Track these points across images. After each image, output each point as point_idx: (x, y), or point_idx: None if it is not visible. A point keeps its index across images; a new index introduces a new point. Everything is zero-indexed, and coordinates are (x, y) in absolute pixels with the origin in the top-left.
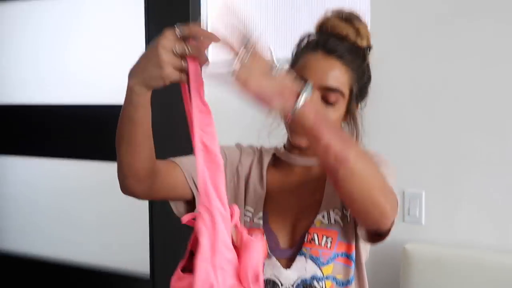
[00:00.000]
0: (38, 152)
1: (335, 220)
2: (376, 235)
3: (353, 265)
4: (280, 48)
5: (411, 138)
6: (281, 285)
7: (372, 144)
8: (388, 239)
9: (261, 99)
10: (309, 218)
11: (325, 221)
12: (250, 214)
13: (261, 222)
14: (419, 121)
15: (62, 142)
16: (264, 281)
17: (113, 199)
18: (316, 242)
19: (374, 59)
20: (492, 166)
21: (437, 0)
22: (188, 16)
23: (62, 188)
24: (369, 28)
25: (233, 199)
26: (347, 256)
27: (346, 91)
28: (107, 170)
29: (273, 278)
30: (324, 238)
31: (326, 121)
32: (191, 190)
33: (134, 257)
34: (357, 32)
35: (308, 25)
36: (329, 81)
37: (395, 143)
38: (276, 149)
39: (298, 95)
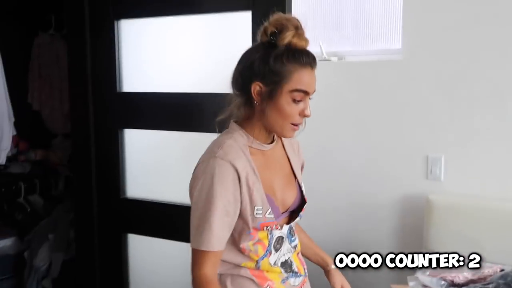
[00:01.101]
0: (151, 126)
1: (304, 188)
2: None
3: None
4: (326, 43)
5: (432, 113)
6: (284, 236)
7: (405, 118)
8: (412, 192)
9: None
10: (291, 190)
11: (304, 192)
12: (260, 212)
13: (272, 216)
14: (439, 102)
15: (166, 119)
16: (276, 240)
17: None
18: (304, 206)
19: None
20: (497, 138)
21: None
22: None
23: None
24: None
25: (250, 202)
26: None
27: None
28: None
29: (280, 235)
30: (306, 204)
31: None
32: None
33: None
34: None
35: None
36: (315, 86)
37: (418, 116)
38: (247, 140)
39: None
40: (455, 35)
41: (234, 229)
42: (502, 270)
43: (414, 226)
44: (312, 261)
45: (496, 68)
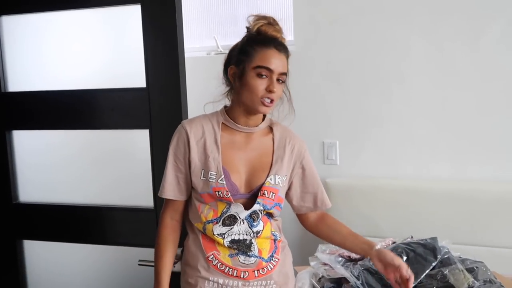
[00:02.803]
0: (42, 126)
1: (278, 182)
2: None
3: (280, 209)
4: (221, 37)
5: (327, 102)
6: (239, 218)
7: (301, 107)
8: None
9: None
10: (261, 176)
11: (272, 182)
12: (214, 177)
13: (223, 182)
14: (332, 91)
15: (58, 118)
16: (228, 216)
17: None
18: (266, 195)
19: None
20: (385, 121)
21: None
22: None
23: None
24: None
25: (204, 167)
26: (279, 205)
27: (287, 72)
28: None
29: (234, 214)
30: (271, 194)
31: None
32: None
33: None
34: (282, 33)
35: (242, 20)
36: (284, 69)
37: (314, 105)
38: (223, 118)
39: None
40: (342, 27)
41: (195, 189)
42: (394, 243)
43: None
44: (355, 251)
45: (381, 57)
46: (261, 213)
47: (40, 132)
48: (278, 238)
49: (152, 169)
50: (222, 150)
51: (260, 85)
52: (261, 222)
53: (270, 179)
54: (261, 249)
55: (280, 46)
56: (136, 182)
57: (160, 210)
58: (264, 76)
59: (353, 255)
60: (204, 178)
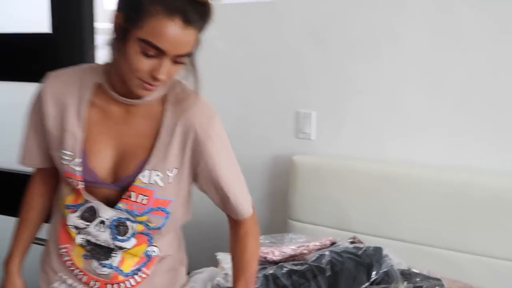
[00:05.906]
0: None
1: (154, 181)
2: None
3: (166, 216)
4: None
5: (304, 65)
6: (99, 216)
7: (274, 70)
8: (282, 152)
9: None
10: (130, 165)
11: (145, 180)
12: (67, 158)
13: (79, 169)
14: (312, 51)
15: None
16: (89, 207)
17: None
18: (133, 199)
19: None
20: (371, 90)
21: None
22: None
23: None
24: None
25: (59, 141)
26: (162, 210)
27: (193, 50)
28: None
29: (95, 207)
30: (140, 197)
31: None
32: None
33: None
34: None
35: None
36: (186, 48)
37: (290, 68)
38: (101, 77)
39: None
40: None
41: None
42: (332, 244)
43: (282, 191)
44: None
45: (370, 12)
46: (133, 227)
47: None
48: (156, 255)
49: None
50: (87, 123)
51: (143, 65)
52: (132, 240)
53: (143, 176)
54: (124, 259)
55: (194, 15)
56: None
57: None
58: (151, 56)
59: (270, 256)
60: (59, 154)
